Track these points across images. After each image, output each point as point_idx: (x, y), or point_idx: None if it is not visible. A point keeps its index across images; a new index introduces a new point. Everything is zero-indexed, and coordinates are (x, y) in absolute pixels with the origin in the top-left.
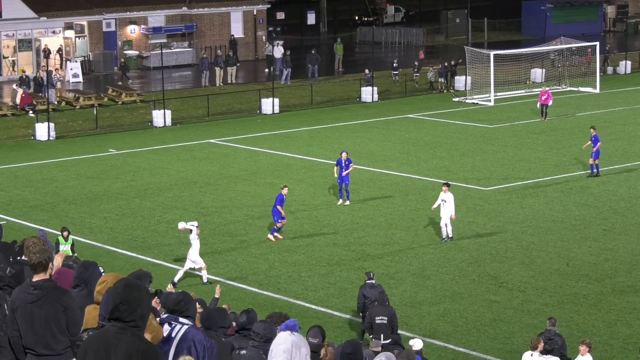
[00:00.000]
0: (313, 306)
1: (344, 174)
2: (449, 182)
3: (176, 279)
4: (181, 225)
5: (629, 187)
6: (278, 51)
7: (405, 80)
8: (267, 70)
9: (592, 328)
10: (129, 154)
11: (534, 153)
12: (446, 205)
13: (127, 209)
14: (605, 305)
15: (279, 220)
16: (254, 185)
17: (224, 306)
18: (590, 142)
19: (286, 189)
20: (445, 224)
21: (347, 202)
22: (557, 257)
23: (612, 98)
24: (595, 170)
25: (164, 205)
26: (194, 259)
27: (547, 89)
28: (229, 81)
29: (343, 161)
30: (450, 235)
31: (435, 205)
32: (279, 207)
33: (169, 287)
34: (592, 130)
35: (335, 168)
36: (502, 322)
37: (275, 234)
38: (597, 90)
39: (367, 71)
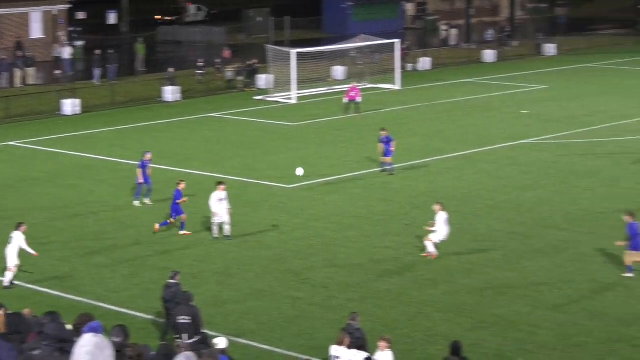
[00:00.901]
0: (117, 308)
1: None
2: (223, 181)
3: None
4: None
5: (428, 182)
6: (66, 52)
7: (209, 79)
8: (58, 71)
9: (393, 322)
10: None
11: (336, 150)
12: (223, 204)
13: None
14: (406, 299)
15: (175, 216)
16: (55, 187)
17: (24, 311)
18: (381, 144)
19: (183, 184)
20: (223, 222)
21: (146, 201)
22: (359, 252)
23: (412, 94)
24: (387, 167)
25: None
26: (9, 254)
27: (356, 84)
28: (29, 82)
29: (147, 162)
30: (228, 234)
31: (215, 209)
32: (178, 202)
33: None
34: (383, 132)
35: (139, 170)
36: (305, 318)
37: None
38: (398, 87)
39: (170, 69)
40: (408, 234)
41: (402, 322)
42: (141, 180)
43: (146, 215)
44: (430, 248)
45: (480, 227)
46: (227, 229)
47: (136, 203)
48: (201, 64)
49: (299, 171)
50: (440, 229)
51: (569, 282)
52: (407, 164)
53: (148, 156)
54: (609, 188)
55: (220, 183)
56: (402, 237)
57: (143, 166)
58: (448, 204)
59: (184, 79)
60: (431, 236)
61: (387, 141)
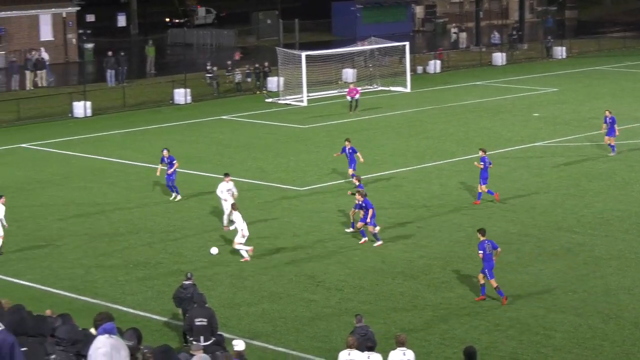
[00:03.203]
0: (131, 310)
1: (169, 171)
2: (228, 173)
3: None
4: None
5: (440, 185)
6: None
7: (218, 82)
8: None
9: (409, 324)
10: None
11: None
12: (229, 194)
13: None
14: (421, 302)
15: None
16: (66, 189)
17: (47, 312)
18: (341, 153)
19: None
20: (229, 214)
21: (179, 197)
22: (372, 255)
23: (423, 97)
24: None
25: None
26: None
27: (354, 86)
28: (39, 85)
29: (165, 159)
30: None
31: (222, 197)
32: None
33: None
34: (347, 142)
35: (160, 167)
36: (320, 320)
37: None
38: (408, 90)
39: (210, 68)
40: (421, 236)
41: (417, 325)
42: (158, 174)
43: (159, 217)
44: (243, 253)
45: (493, 229)
46: (225, 219)
47: (173, 197)
48: (209, 67)
49: (214, 250)
50: (240, 228)
51: (583, 284)
52: (418, 166)
53: (165, 153)
54: (622, 191)
55: (225, 174)
56: (414, 239)
57: (163, 161)
58: (460, 207)
59: (194, 81)
60: (236, 240)
61: (352, 152)
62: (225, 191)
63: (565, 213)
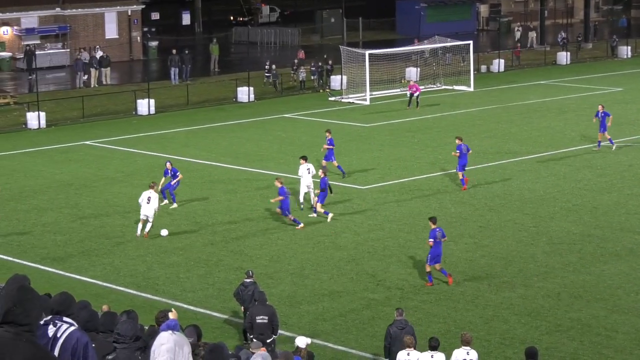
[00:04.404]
0: (192, 307)
1: (172, 182)
2: (306, 156)
3: None
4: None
5: (503, 184)
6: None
7: (282, 80)
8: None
9: (469, 324)
10: (3, 156)
11: (410, 151)
12: (305, 176)
13: (2, 213)
14: (482, 301)
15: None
16: (130, 186)
17: (103, 307)
18: (327, 145)
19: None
20: (305, 192)
21: (175, 205)
22: None
23: (486, 96)
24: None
25: (39, 208)
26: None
27: (413, 82)
28: (104, 82)
29: (169, 171)
30: (314, 207)
31: (301, 175)
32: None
33: None
34: (327, 133)
35: (162, 180)
36: (380, 319)
37: None
38: (471, 89)
39: (268, 65)
40: (483, 235)
41: (478, 325)
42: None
43: (221, 215)
44: (139, 229)
45: (556, 230)
46: (300, 198)
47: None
48: (267, 67)
49: (164, 232)
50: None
51: None
52: (481, 166)
53: (168, 165)
54: None
55: (302, 157)
56: (476, 239)
57: (167, 175)
58: (524, 207)
59: (257, 79)
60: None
61: (330, 144)
62: (301, 172)
63: (629, 213)
